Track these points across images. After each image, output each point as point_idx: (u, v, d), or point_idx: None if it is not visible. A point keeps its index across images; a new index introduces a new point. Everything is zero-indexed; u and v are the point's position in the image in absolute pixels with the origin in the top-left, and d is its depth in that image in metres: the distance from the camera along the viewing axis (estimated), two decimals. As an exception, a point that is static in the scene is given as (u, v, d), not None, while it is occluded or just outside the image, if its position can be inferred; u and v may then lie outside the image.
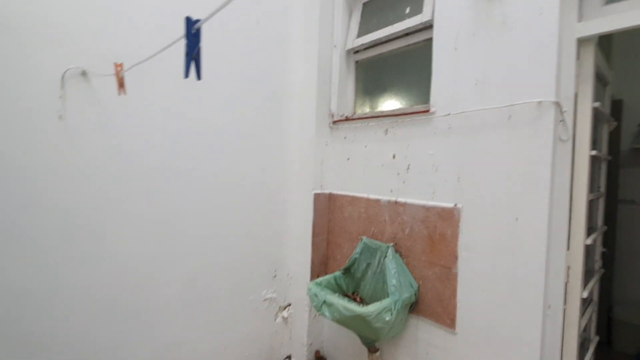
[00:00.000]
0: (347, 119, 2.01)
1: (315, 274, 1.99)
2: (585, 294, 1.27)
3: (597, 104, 1.26)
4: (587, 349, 1.57)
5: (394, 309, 1.40)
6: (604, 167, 1.67)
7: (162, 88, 1.55)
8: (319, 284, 1.67)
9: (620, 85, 2.59)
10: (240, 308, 1.89)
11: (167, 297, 1.60)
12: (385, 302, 1.40)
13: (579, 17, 1.21)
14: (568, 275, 1.25)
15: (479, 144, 1.39)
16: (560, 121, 1.22)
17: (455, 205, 1.45)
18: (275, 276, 2.05)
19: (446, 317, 1.46)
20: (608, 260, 2.50)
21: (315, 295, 1.54)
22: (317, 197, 2.01)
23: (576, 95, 1.24)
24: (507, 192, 1.30)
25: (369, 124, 1.87)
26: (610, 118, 1.64)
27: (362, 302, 1.72)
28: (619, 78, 2.59)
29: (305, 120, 2.06)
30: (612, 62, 2.55)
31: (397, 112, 1.74)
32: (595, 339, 1.65)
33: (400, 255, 1.65)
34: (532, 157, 1.24)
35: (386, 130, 1.78)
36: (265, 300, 2.00)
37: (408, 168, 1.66)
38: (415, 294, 1.55)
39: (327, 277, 1.75)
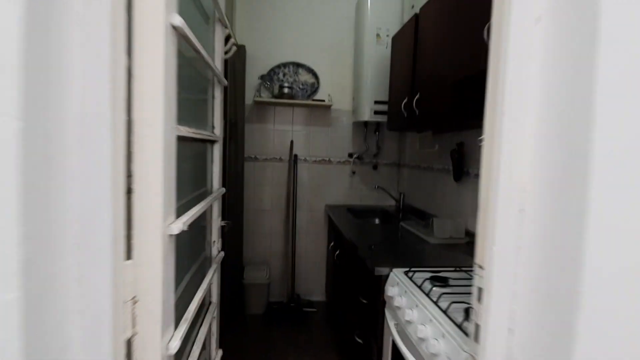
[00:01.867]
0: None
1: None
2: (175, 345, 0.59)
3: None
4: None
5: None
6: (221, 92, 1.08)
7: None
8: None
9: (242, 32, 2.38)
10: None
11: None
12: None
13: None
14: (135, 324, 0.51)
15: None
16: None
17: None
18: None
19: None
20: (238, 219, 2.29)
21: None
22: None
23: None
24: None
25: None
26: (226, 24, 1.06)
27: None
28: (242, 24, 2.37)
29: None
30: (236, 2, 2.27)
31: None
32: (219, 354, 1.14)
33: None
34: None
35: None
36: None
37: None
38: None
39: None
